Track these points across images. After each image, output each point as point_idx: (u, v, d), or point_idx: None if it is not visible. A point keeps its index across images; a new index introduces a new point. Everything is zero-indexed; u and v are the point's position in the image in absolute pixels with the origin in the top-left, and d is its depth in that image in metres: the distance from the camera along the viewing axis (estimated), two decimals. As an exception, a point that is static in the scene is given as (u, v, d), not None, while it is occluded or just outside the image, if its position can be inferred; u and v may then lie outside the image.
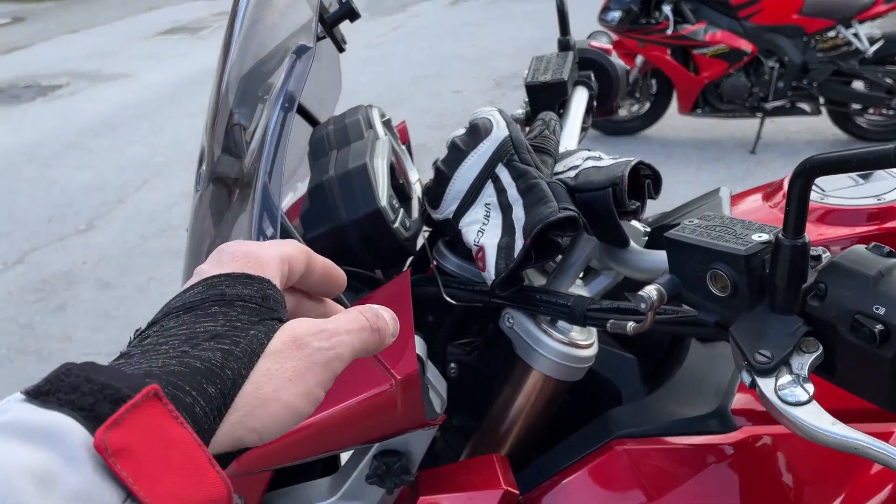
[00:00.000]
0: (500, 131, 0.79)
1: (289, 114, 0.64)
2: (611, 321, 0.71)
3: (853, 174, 0.89)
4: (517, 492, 0.71)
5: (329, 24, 0.90)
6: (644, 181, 0.77)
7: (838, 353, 0.57)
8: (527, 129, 0.90)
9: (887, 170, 0.88)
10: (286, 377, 0.37)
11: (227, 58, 0.78)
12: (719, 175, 4.30)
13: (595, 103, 1.09)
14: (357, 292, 0.79)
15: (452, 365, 0.92)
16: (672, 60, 4.59)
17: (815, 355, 0.57)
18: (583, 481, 0.74)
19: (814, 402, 0.55)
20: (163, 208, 4.54)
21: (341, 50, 0.88)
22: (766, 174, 4.28)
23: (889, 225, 0.81)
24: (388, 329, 0.43)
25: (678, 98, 4.70)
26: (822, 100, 4.44)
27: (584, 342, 0.78)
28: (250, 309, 0.38)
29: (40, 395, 0.30)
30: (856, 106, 4.44)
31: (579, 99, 1.03)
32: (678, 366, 0.80)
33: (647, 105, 4.91)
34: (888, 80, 4.23)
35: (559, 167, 0.81)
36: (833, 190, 0.87)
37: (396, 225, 0.78)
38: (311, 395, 0.38)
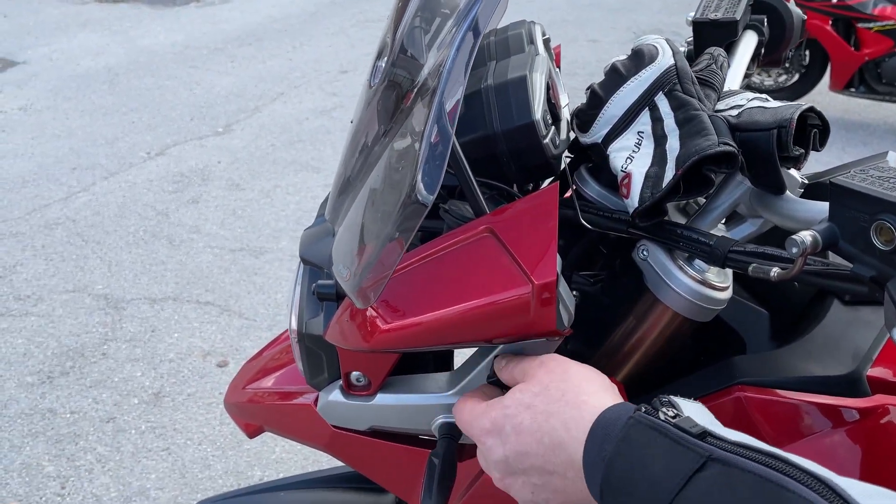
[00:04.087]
0: (665, 59, 0.77)
1: (477, 36, 0.64)
2: (753, 265, 0.69)
3: None
4: (631, 415, 0.72)
5: None
6: (811, 130, 0.74)
7: None
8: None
9: None
10: None
11: None
12: (865, 160, 4.01)
13: (763, 50, 1.03)
14: (496, 202, 0.80)
15: (575, 293, 0.92)
16: (832, 32, 4.28)
17: (980, 323, 0.54)
18: (697, 420, 0.74)
19: (972, 368, 0.52)
20: (294, 122, 4.71)
21: None
22: (920, 166, 3.96)
23: None
24: None
25: (832, 73, 4.39)
26: None
27: (719, 283, 0.77)
28: None
29: None
30: None
31: (747, 43, 0.99)
32: (815, 324, 0.77)
33: (796, 77, 4.62)
34: None
35: (721, 105, 0.79)
36: None
37: (547, 140, 0.78)
38: None
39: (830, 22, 4.28)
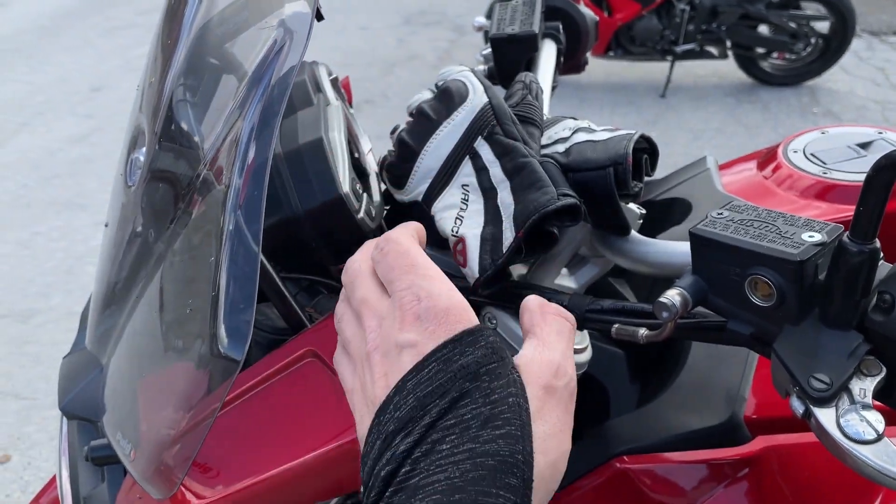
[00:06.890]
0: (477, 97, 0.67)
1: (279, 107, 0.48)
2: (616, 326, 0.61)
3: (852, 143, 0.81)
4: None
5: None
6: (641, 157, 0.67)
7: (902, 375, 0.50)
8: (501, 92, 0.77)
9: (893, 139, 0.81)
10: (558, 430, 0.39)
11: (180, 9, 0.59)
12: (631, 119, 4.29)
13: (562, 59, 0.97)
14: (313, 295, 0.66)
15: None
16: (587, 0, 4.51)
17: (878, 378, 0.49)
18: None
19: (885, 438, 0.47)
20: (46, 155, 4.14)
21: (320, 18, 0.66)
22: (676, 118, 4.32)
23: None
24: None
25: (592, 40, 4.65)
26: (729, 43, 4.50)
27: (577, 345, 0.68)
28: (493, 373, 0.38)
29: None
30: (760, 50, 4.52)
31: (548, 54, 0.91)
32: (679, 367, 0.71)
33: (562, 47, 4.83)
34: (791, 25, 4.32)
35: (544, 139, 0.70)
36: (835, 162, 0.79)
37: (361, 215, 0.64)
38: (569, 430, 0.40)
39: (583, -8, 4.52)
